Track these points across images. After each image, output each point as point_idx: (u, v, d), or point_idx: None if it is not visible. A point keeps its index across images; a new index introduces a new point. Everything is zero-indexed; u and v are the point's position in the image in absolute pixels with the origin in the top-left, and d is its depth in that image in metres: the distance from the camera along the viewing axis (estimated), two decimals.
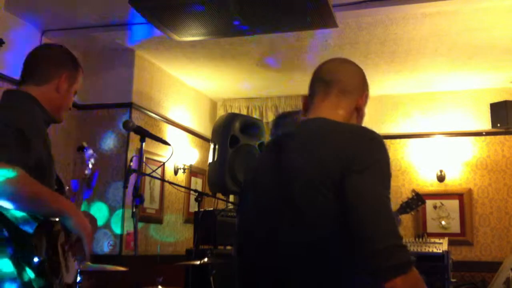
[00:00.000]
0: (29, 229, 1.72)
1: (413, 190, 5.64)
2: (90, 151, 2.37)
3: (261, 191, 1.55)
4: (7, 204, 1.66)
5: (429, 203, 5.98)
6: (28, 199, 1.68)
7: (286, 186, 1.46)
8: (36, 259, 1.69)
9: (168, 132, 5.69)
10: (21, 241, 1.70)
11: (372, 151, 1.42)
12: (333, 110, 1.59)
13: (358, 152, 1.40)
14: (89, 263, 3.37)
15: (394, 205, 5.98)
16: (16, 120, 1.78)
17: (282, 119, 2.79)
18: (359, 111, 1.64)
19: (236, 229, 1.64)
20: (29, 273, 1.67)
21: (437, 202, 5.96)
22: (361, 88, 1.66)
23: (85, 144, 2.38)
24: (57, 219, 1.80)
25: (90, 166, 2.32)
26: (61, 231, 1.85)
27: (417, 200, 3.87)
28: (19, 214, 1.72)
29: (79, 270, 2.91)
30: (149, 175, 4.13)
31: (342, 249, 1.37)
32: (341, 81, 1.62)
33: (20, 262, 1.67)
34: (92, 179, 2.27)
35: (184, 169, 5.83)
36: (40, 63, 2.03)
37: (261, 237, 1.50)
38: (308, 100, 1.66)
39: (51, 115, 2.01)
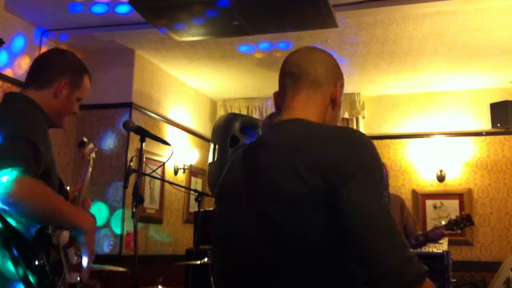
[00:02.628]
0: (30, 232, 1.74)
1: (414, 194, 5.66)
2: (91, 145, 2.34)
3: (234, 211, 1.39)
4: (22, 216, 1.67)
5: (429, 203, 5.98)
6: (43, 214, 1.69)
7: (261, 206, 1.29)
8: (36, 263, 1.70)
9: (168, 132, 5.69)
10: (21, 246, 1.70)
11: (356, 156, 1.24)
12: (305, 108, 1.42)
13: (340, 161, 1.23)
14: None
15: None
16: (25, 128, 1.76)
17: (271, 118, 2.75)
18: (334, 102, 1.46)
19: (212, 245, 1.46)
20: (31, 277, 1.68)
21: (437, 202, 5.96)
22: (334, 77, 1.47)
23: (85, 140, 2.34)
24: None
25: (91, 161, 2.31)
26: (65, 232, 1.86)
27: (466, 221, 3.95)
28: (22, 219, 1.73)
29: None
30: (149, 175, 4.14)
31: (330, 271, 1.24)
32: (310, 73, 1.44)
33: (22, 265, 1.68)
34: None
35: (184, 169, 5.83)
36: (43, 67, 2.01)
37: (239, 262, 1.35)
38: (279, 97, 1.49)
39: (51, 120, 1.99)
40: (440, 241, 4.31)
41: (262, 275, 1.29)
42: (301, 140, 1.31)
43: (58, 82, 1.98)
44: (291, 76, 1.46)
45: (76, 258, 1.96)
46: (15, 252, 1.69)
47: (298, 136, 1.33)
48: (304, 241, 1.24)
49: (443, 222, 4.10)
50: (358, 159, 1.24)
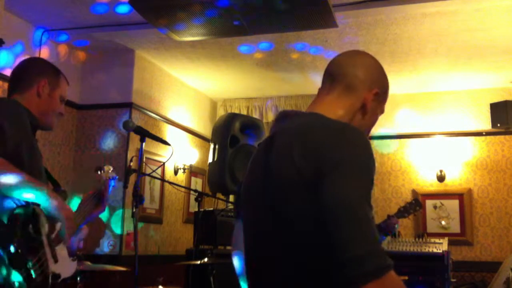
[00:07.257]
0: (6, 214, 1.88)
1: (414, 194, 5.65)
2: (114, 174, 2.54)
3: (252, 193, 1.49)
4: None
5: (429, 203, 5.98)
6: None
7: (269, 188, 1.38)
8: (12, 248, 1.83)
9: (168, 132, 5.69)
10: None
11: (344, 147, 1.28)
12: (331, 107, 1.47)
13: (329, 150, 1.27)
14: (88, 262, 3.37)
15: (395, 205, 5.95)
16: None
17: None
18: (364, 108, 1.49)
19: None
20: (5, 259, 1.82)
21: (437, 202, 5.96)
22: (371, 82, 1.49)
23: (108, 168, 2.60)
24: (40, 210, 1.93)
25: (111, 189, 2.52)
26: (45, 221, 1.98)
27: (415, 205, 3.93)
28: None
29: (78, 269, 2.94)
30: (149, 175, 4.14)
31: (321, 256, 1.27)
32: (347, 75, 1.48)
33: None
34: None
35: (184, 169, 5.83)
36: (22, 73, 2.24)
37: (253, 240, 1.47)
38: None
39: (39, 121, 2.18)
40: (441, 241, 4.31)
41: (267, 251, 1.38)
42: (303, 128, 1.38)
43: (37, 82, 2.19)
44: (330, 76, 1.52)
45: (72, 260, 2.06)
46: None
47: (303, 125, 1.40)
48: (298, 222, 1.31)
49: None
50: (345, 150, 1.27)
